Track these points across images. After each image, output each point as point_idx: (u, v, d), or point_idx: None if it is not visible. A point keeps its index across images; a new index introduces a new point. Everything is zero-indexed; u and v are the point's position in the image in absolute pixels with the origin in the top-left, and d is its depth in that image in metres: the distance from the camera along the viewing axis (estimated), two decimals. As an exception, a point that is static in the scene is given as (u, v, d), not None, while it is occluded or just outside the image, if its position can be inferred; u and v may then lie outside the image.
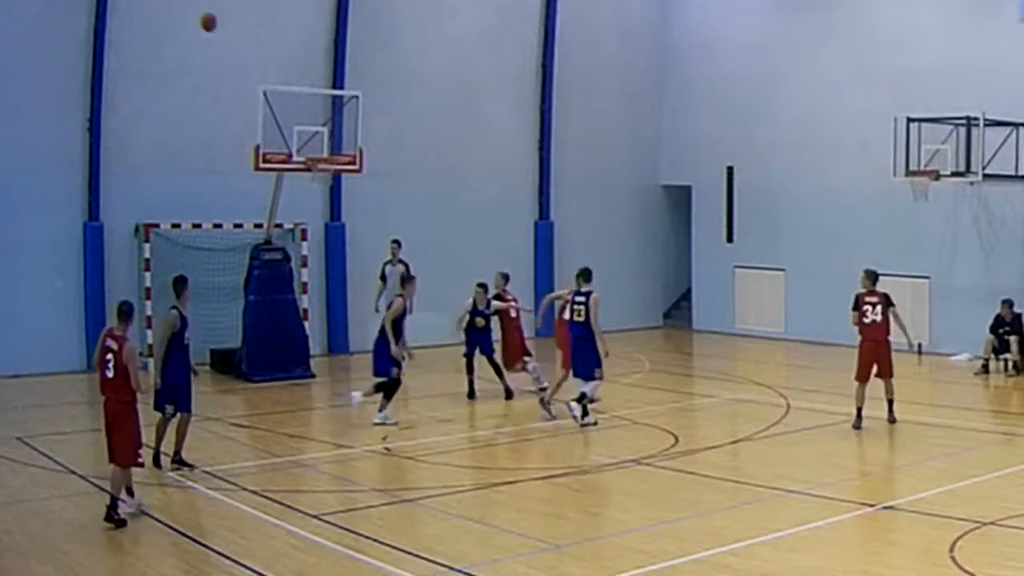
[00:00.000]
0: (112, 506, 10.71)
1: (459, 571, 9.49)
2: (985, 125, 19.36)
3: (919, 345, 21.58)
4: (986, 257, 21.79)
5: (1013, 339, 20.02)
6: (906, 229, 22.44)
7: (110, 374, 10.85)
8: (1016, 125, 20.12)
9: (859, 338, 15.67)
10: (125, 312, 11.10)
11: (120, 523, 10.65)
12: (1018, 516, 10.82)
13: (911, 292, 22.11)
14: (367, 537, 10.42)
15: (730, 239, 26.21)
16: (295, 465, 13.71)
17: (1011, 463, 13.19)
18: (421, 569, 9.56)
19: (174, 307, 12.80)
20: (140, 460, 11.05)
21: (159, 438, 12.85)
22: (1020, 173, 20.41)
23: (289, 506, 11.53)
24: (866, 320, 15.53)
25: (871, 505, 11.43)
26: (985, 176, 19.69)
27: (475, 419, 17.28)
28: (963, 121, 19.63)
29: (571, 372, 15.77)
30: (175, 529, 10.66)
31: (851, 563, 9.64)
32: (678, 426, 15.78)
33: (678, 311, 28.42)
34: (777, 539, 10.33)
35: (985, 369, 20.11)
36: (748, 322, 25.54)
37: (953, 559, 9.54)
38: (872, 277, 15.74)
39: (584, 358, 15.24)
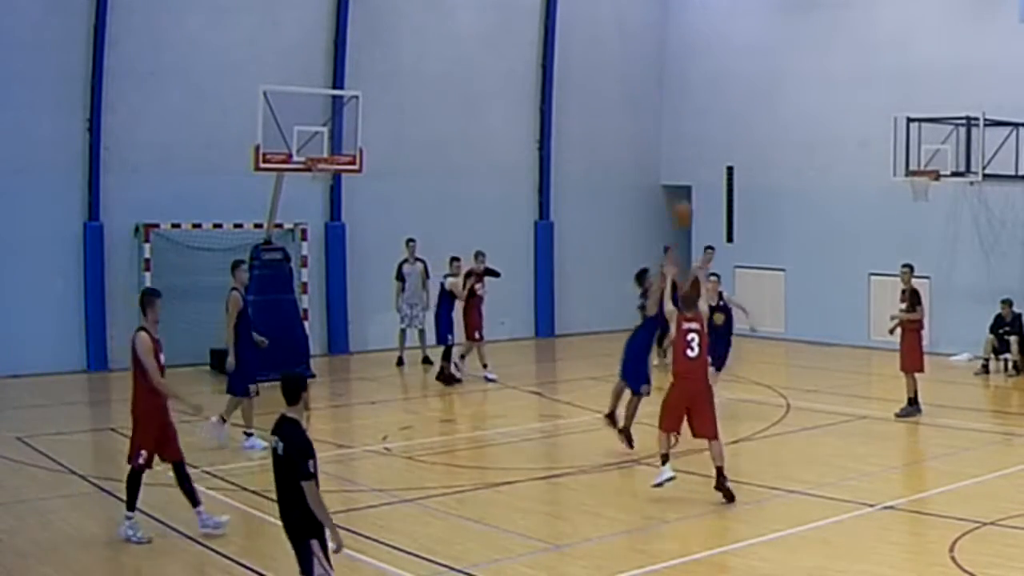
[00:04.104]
0: (720, 477, 11.55)
1: (459, 571, 9.49)
2: (985, 125, 19.32)
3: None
4: (986, 257, 21.77)
5: (1013, 339, 20.02)
6: (906, 229, 22.40)
7: (692, 353, 11.56)
8: (1016, 125, 20.09)
9: (907, 331, 16.24)
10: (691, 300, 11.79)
11: (730, 496, 11.46)
12: (1018, 516, 10.82)
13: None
14: (367, 537, 10.41)
15: (730, 239, 26.18)
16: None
17: (1011, 463, 13.20)
18: (421, 569, 9.56)
19: None
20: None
21: None
22: (1020, 173, 20.38)
23: (289, 506, 11.51)
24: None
25: (871, 505, 11.43)
26: (985, 176, 19.66)
27: (475, 419, 17.29)
28: (963, 121, 19.60)
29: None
30: (175, 529, 10.66)
31: (851, 563, 9.63)
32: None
33: (678, 311, 28.37)
34: (777, 539, 10.34)
35: (985, 369, 20.11)
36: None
37: (953, 559, 9.55)
38: (912, 271, 16.57)
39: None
